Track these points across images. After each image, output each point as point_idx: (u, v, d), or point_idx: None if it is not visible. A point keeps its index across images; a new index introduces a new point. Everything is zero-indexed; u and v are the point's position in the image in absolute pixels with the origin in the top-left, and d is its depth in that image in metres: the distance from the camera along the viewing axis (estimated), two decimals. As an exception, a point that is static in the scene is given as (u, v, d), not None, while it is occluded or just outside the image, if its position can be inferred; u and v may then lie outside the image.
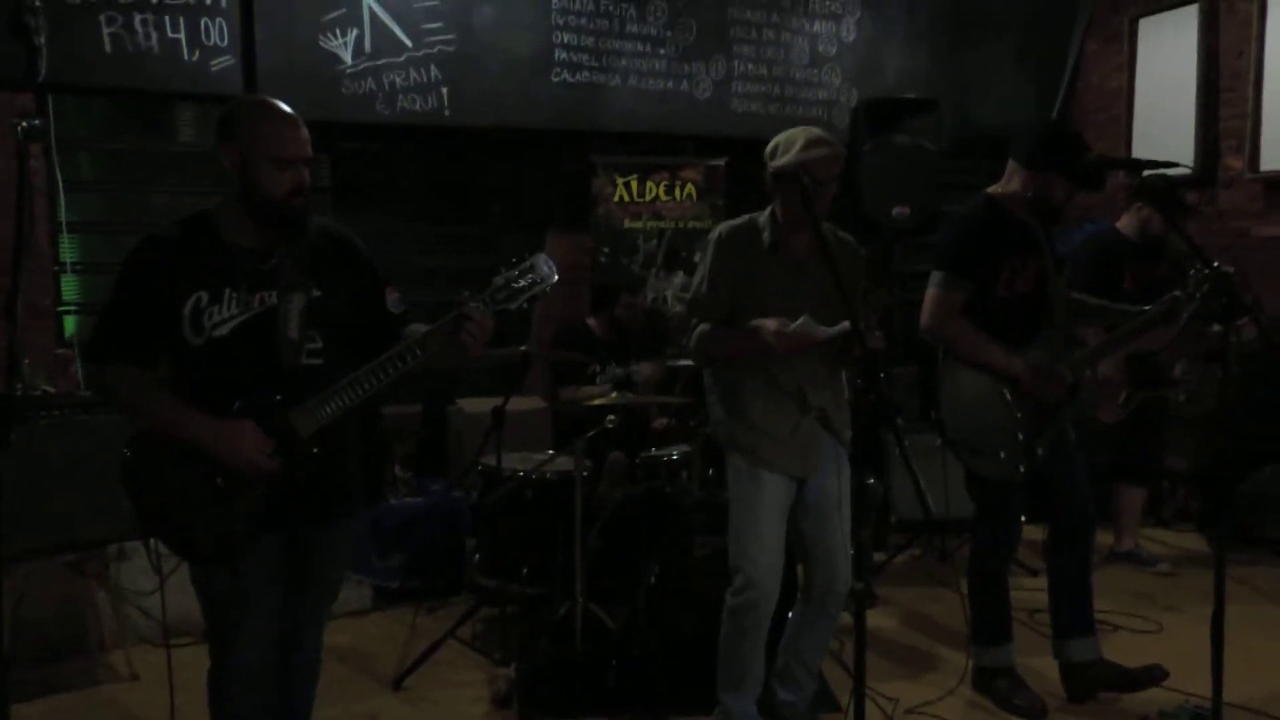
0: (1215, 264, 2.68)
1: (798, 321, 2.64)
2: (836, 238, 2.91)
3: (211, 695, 2.36)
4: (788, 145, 2.76)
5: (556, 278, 2.23)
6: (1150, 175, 2.72)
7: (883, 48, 6.02)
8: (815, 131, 2.80)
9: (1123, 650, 3.65)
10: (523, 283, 2.20)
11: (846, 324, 2.59)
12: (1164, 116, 5.94)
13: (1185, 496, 5.42)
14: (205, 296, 2.17)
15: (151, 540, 2.34)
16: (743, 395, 2.84)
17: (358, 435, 2.41)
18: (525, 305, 2.23)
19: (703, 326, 2.81)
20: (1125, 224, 4.51)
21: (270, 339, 2.19)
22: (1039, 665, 3.48)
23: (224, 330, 2.17)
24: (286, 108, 2.23)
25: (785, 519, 2.85)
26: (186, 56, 4.60)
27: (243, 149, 2.18)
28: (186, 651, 3.07)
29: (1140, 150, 6.00)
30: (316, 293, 2.25)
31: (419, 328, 2.27)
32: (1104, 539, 3.67)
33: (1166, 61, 5.94)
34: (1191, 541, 5.17)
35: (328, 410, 2.19)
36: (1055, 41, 6.46)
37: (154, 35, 4.50)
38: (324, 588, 2.48)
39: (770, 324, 2.66)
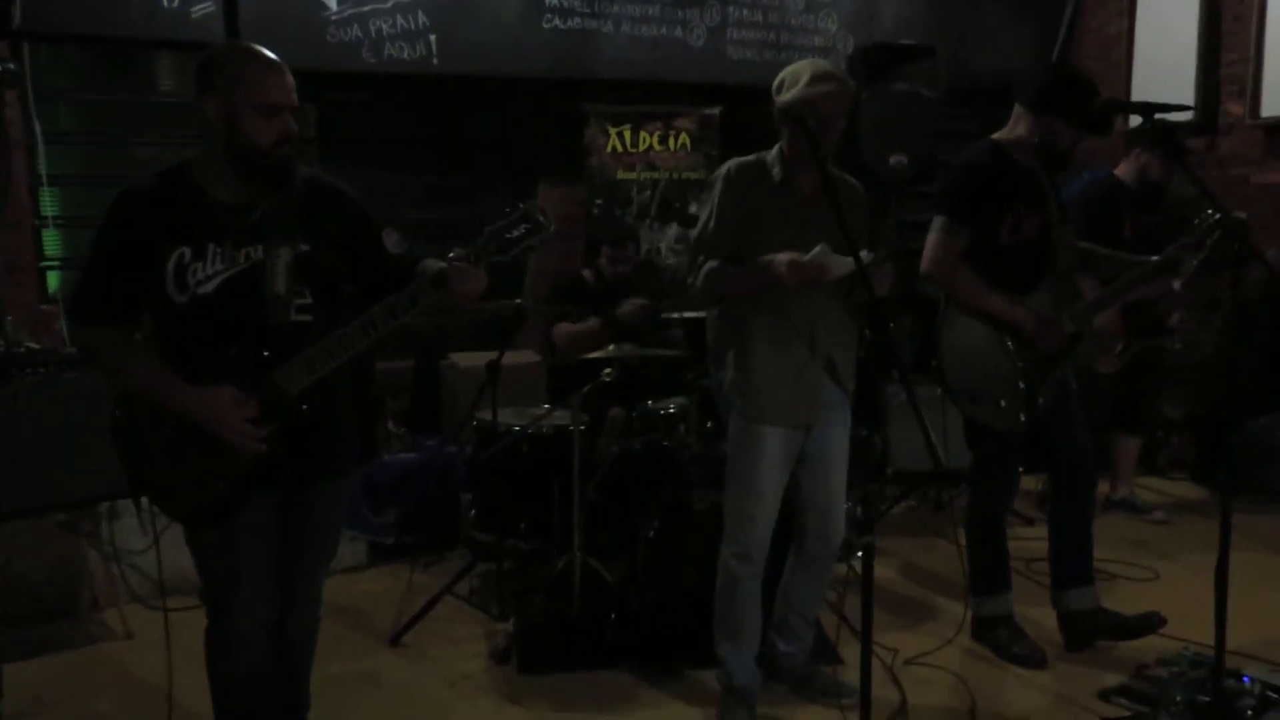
0: (1227, 211, 2.63)
1: (814, 251, 2.57)
2: (843, 181, 2.85)
3: (209, 656, 2.34)
4: (793, 80, 2.68)
5: (554, 227, 2.16)
6: (1151, 121, 2.66)
7: (879, -8, 5.90)
8: (822, 65, 2.72)
9: (1120, 598, 3.67)
10: (516, 232, 2.13)
11: (865, 253, 2.53)
12: (1164, 62, 5.84)
13: (1180, 445, 5.43)
14: (188, 252, 2.10)
15: (142, 499, 2.29)
16: (749, 336, 2.78)
17: (349, 391, 2.36)
18: (519, 255, 2.16)
19: (710, 263, 2.73)
20: (1124, 170, 4.45)
21: (257, 295, 2.13)
22: (1036, 615, 3.49)
23: (209, 287, 2.11)
24: (270, 53, 2.15)
25: (786, 474, 2.81)
26: (166, 3, 4.48)
27: (226, 97, 2.09)
28: (182, 609, 3.04)
29: (1140, 96, 5.92)
30: (304, 246, 2.18)
31: (433, 263, 2.17)
32: (1100, 488, 3.66)
33: (1167, 7, 5.83)
34: (1186, 489, 5.18)
35: (316, 367, 2.14)
36: (1054, -14, 6.35)
37: (132, -20, 4.38)
38: (320, 547, 2.44)
39: (783, 256, 2.60)
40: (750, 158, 2.84)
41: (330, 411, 2.28)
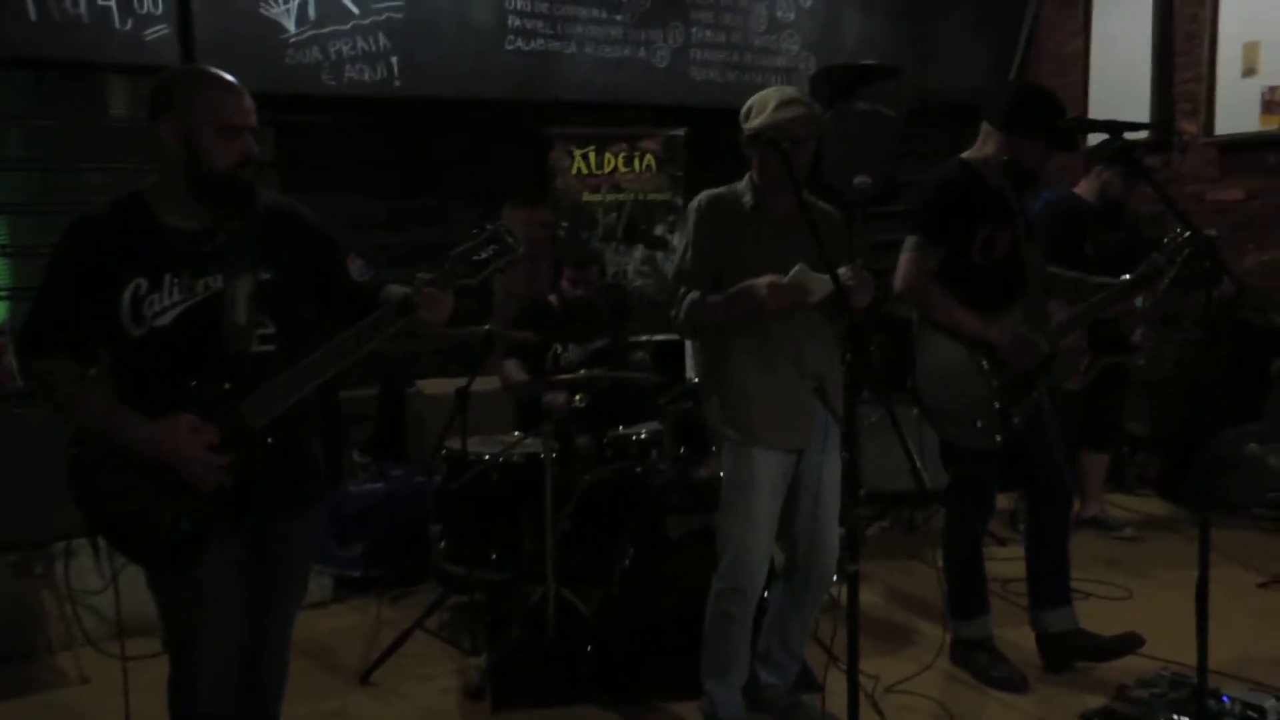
0: (1196, 228, 2.64)
1: (793, 271, 2.56)
2: (818, 205, 2.84)
3: (171, 701, 2.23)
4: (760, 106, 2.70)
5: (522, 248, 2.12)
6: (1120, 139, 2.68)
7: (841, 14, 5.93)
8: (788, 91, 2.74)
9: (1094, 617, 3.65)
10: (483, 255, 2.09)
11: (844, 270, 2.52)
12: (1120, 81, 5.94)
13: (1146, 461, 5.47)
14: (145, 284, 2.03)
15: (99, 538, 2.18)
16: (733, 362, 2.75)
17: (316, 421, 2.29)
18: (486, 278, 2.11)
19: (691, 296, 2.71)
20: (1084, 189, 4.48)
21: (216, 326, 2.06)
22: (1014, 636, 3.47)
23: (166, 319, 2.04)
24: (227, 75, 2.09)
25: (780, 500, 2.77)
26: (118, 25, 4.36)
27: (184, 119, 2.03)
28: (141, 657, 2.92)
29: (1097, 114, 6.00)
30: (266, 274, 2.11)
31: (397, 289, 2.13)
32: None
33: (1122, 26, 5.93)
34: (1154, 505, 5.21)
35: (282, 398, 2.07)
36: (1010, 7, 6.42)
37: (83, 3, 4.27)
38: (290, 585, 2.34)
39: (762, 280, 2.59)
40: (721, 189, 2.84)
41: (297, 440, 2.21)
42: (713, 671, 2.84)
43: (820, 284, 2.56)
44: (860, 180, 4.99)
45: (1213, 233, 2.62)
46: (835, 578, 2.88)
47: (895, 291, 3.12)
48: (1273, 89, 5.16)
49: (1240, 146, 5.34)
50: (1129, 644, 3.25)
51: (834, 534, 2.85)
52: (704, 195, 2.82)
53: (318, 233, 2.26)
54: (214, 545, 2.09)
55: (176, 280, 2.05)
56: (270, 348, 2.12)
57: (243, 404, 2.05)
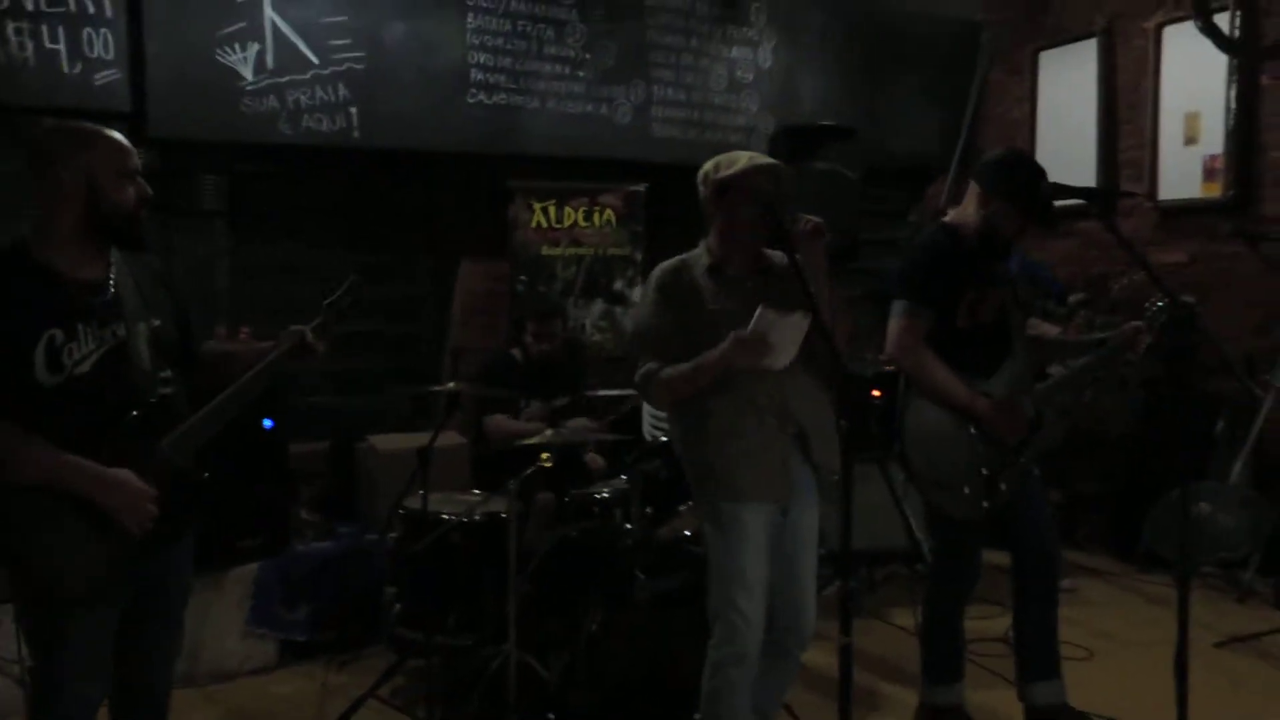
0: (1175, 294, 2.67)
1: (755, 317, 2.52)
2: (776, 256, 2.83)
3: None
4: (731, 161, 2.71)
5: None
6: (1097, 204, 2.72)
7: (798, 75, 6.03)
8: (753, 153, 2.78)
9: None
10: (345, 304, 2.45)
11: (801, 313, 2.51)
12: (1066, 147, 6.10)
13: (1098, 520, 5.51)
14: (60, 334, 2.08)
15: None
16: (709, 420, 2.70)
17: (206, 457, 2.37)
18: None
19: (663, 373, 2.69)
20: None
21: (125, 373, 2.16)
22: (984, 699, 3.44)
23: (85, 367, 2.11)
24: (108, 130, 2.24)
25: (768, 558, 2.69)
26: (67, 69, 4.24)
27: (82, 165, 2.13)
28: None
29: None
30: (156, 321, 2.26)
31: (214, 346, 2.50)
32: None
33: (1067, 94, 6.11)
34: (1107, 563, 5.24)
35: (196, 439, 2.23)
36: (961, 74, 6.59)
37: (30, 45, 4.16)
38: (180, 596, 2.40)
39: (724, 345, 2.56)
40: (676, 259, 2.83)
41: (202, 480, 2.33)
42: None
43: (786, 326, 2.53)
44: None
45: (1190, 299, 2.64)
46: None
47: (886, 357, 3.10)
48: (1213, 157, 5.33)
49: (1182, 211, 5.51)
50: None
51: (812, 594, 2.79)
52: (658, 270, 2.81)
53: (176, 286, 2.44)
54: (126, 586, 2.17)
55: (89, 329, 2.12)
56: (170, 390, 2.25)
57: (162, 445, 2.18)
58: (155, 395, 2.20)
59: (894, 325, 3.06)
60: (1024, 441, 3.04)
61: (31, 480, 2.04)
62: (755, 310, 2.54)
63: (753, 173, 2.66)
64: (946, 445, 3.01)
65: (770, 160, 2.72)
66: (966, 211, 3.14)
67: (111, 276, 2.19)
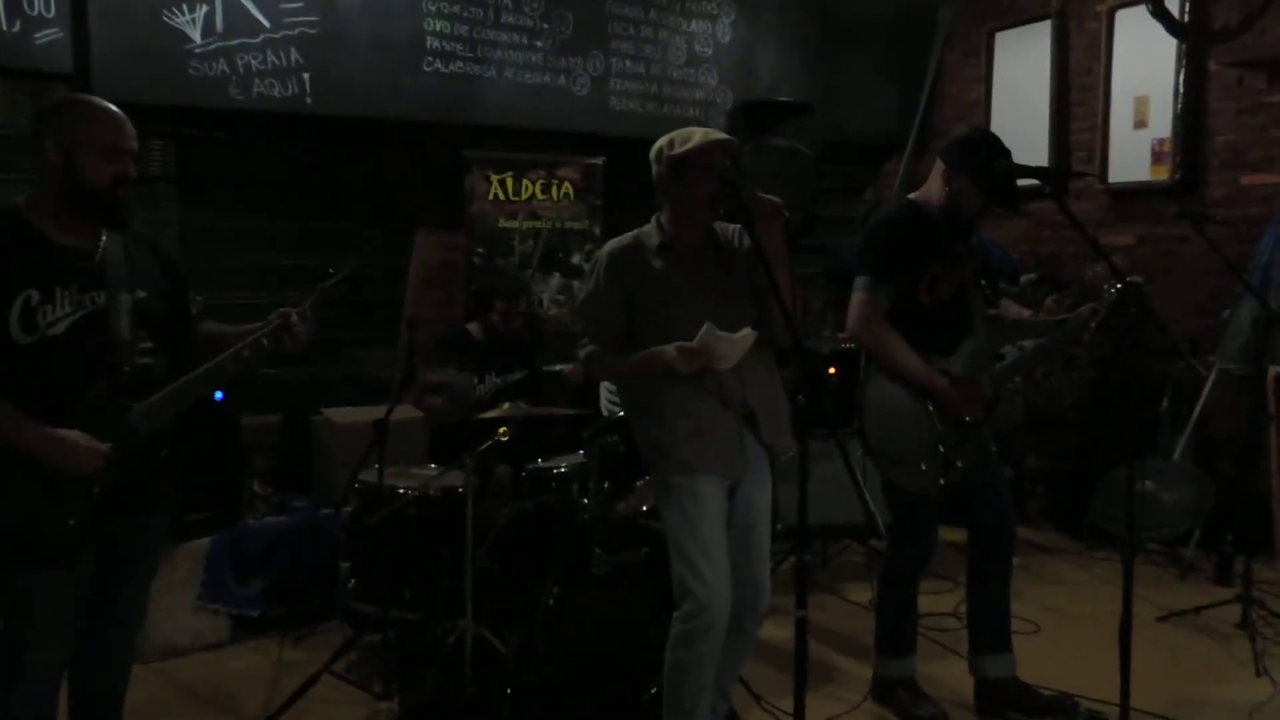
0: (1122, 273, 2.72)
1: (700, 333, 2.54)
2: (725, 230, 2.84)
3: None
4: (685, 137, 2.69)
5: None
6: (1050, 184, 2.76)
7: (757, 50, 6.01)
8: (707, 128, 2.75)
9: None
10: (336, 294, 2.41)
11: (749, 331, 2.56)
12: (1019, 128, 6.13)
13: (1046, 495, 5.63)
14: (36, 295, 2.13)
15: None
16: (656, 399, 2.71)
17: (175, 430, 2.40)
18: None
19: (591, 349, 2.74)
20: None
21: (102, 339, 2.20)
22: (936, 672, 3.51)
23: (59, 329, 2.15)
24: (113, 106, 2.26)
25: (726, 529, 2.70)
26: (5, 26, 4.09)
27: (66, 137, 2.17)
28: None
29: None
30: (141, 293, 2.29)
31: (213, 327, 2.45)
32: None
33: (1021, 77, 6.16)
34: (1050, 538, 5.35)
35: (166, 409, 2.27)
36: (918, 52, 6.63)
37: (-33, 2, 3.99)
38: (144, 572, 2.46)
39: (669, 350, 2.59)
40: (625, 238, 2.80)
41: (171, 451, 2.35)
42: (679, 717, 2.72)
43: (730, 344, 2.56)
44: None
45: (1139, 279, 2.70)
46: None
47: (847, 333, 3.12)
48: (1161, 141, 5.43)
49: (1131, 194, 5.60)
50: (1064, 709, 3.23)
51: (766, 568, 2.81)
52: (609, 247, 2.79)
53: (174, 261, 2.50)
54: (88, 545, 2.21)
55: (67, 293, 2.16)
56: (149, 360, 2.29)
57: (131, 413, 2.22)
58: (131, 364, 2.23)
59: (855, 301, 3.08)
60: (980, 419, 3.08)
61: None
62: (703, 294, 2.56)
63: (710, 148, 2.64)
64: (905, 421, 3.05)
65: (725, 136, 2.71)
66: (931, 189, 3.15)
67: (100, 245, 2.24)
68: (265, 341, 2.30)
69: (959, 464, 3.02)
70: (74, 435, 2.13)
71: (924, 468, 3.01)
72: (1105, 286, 2.91)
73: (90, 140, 2.16)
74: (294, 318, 2.31)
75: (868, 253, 3.11)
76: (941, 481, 3.01)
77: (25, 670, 2.18)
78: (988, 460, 3.20)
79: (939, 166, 3.14)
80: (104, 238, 2.26)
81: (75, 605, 2.23)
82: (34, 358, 2.13)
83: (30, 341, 2.12)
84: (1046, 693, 3.28)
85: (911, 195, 3.22)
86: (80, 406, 2.15)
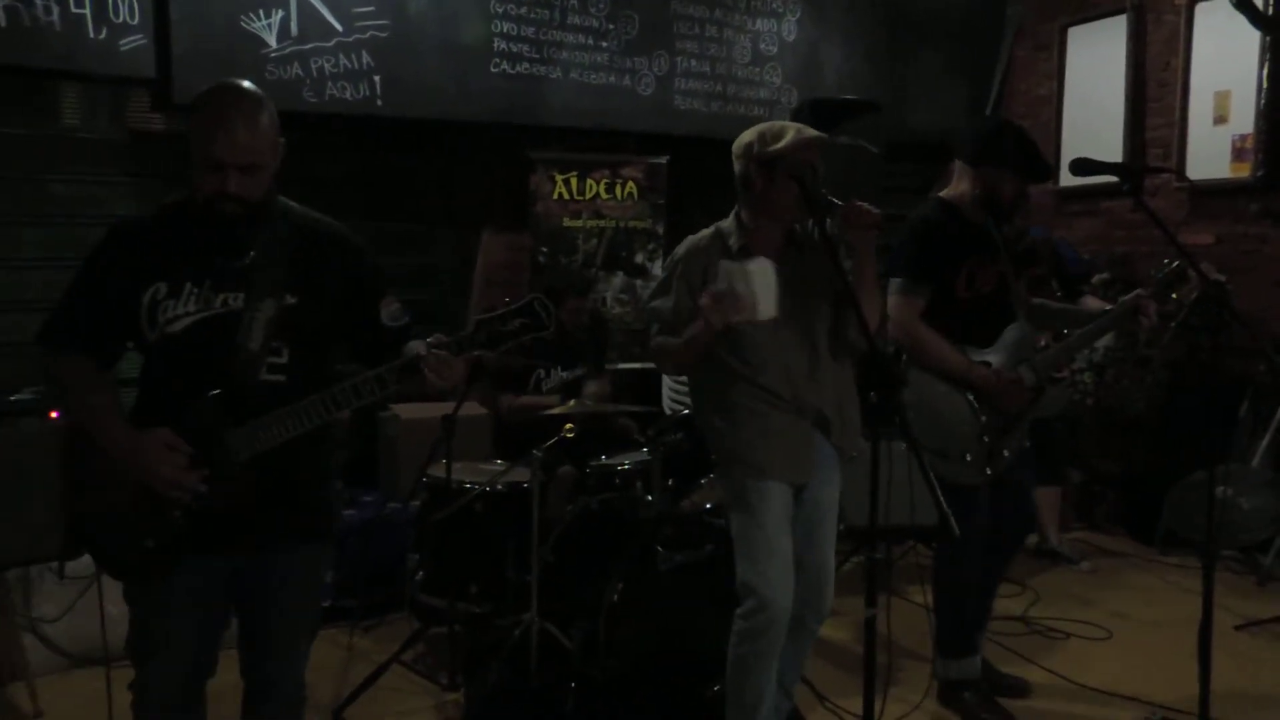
0: (1205, 272, 2.66)
1: (718, 278, 2.48)
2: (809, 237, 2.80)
3: (133, 708, 2.16)
4: (778, 134, 2.59)
5: (553, 327, 2.01)
6: (1129, 181, 2.71)
7: (822, 49, 5.97)
8: (799, 124, 2.67)
9: (1075, 658, 3.68)
10: (510, 326, 1.98)
11: (762, 260, 2.46)
12: (1092, 124, 6.04)
13: (1116, 500, 5.50)
14: (164, 288, 2.00)
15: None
16: (728, 400, 2.71)
17: (322, 458, 2.20)
18: (512, 350, 2.02)
19: (654, 341, 2.75)
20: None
21: (227, 345, 1.99)
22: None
23: (177, 327, 1.99)
24: (233, 105, 1.99)
25: (790, 529, 2.70)
26: (92, 34, 4.24)
27: (192, 141, 1.98)
28: (93, 683, 2.78)
29: (1069, 156, 6.07)
30: (291, 299, 2.04)
31: (416, 344, 2.04)
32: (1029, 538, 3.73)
33: (1095, 70, 6.04)
34: (1123, 544, 5.23)
35: (270, 436, 2.00)
36: (986, 48, 6.53)
37: (55, 9, 4.15)
38: (286, 617, 2.18)
39: (701, 304, 2.49)
40: (704, 233, 2.78)
41: (290, 476, 2.08)
42: (742, 715, 2.73)
43: (749, 274, 2.42)
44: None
45: (1222, 277, 2.63)
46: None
47: (888, 335, 3.12)
48: (1243, 137, 5.27)
49: (1209, 192, 5.45)
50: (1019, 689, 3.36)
51: (831, 565, 2.80)
52: (686, 243, 2.78)
53: (361, 266, 2.17)
54: (179, 570, 2.03)
55: (195, 290, 2.00)
56: (280, 378, 2.04)
57: (229, 434, 1.98)
58: (254, 378, 2.01)
59: (891, 303, 3.08)
60: (1025, 409, 3.07)
61: (80, 422, 2.06)
62: (780, 294, 2.49)
63: (802, 146, 2.57)
64: (947, 414, 3.05)
65: (817, 133, 2.61)
66: (960, 186, 3.16)
67: (257, 244, 2.02)
68: (394, 377, 2.00)
69: (1005, 453, 3.01)
70: (161, 448, 1.96)
71: (969, 459, 3.00)
72: (1154, 271, 2.85)
73: (196, 149, 1.96)
74: (438, 350, 1.96)
75: (902, 254, 3.13)
76: (989, 471, 3.01)
77: (143, 675, 2.11)
78: (1023, 454, 3.19)
79: (959, 167, 3.16)
80: (263, 237, 2.03)
81: (200, 621, 2.10)
82: (156, 356, 2.03)
83: (153, 338, 2.00)
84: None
85: (942, 194, 3.22)
86: (185, 418, 1.98)
